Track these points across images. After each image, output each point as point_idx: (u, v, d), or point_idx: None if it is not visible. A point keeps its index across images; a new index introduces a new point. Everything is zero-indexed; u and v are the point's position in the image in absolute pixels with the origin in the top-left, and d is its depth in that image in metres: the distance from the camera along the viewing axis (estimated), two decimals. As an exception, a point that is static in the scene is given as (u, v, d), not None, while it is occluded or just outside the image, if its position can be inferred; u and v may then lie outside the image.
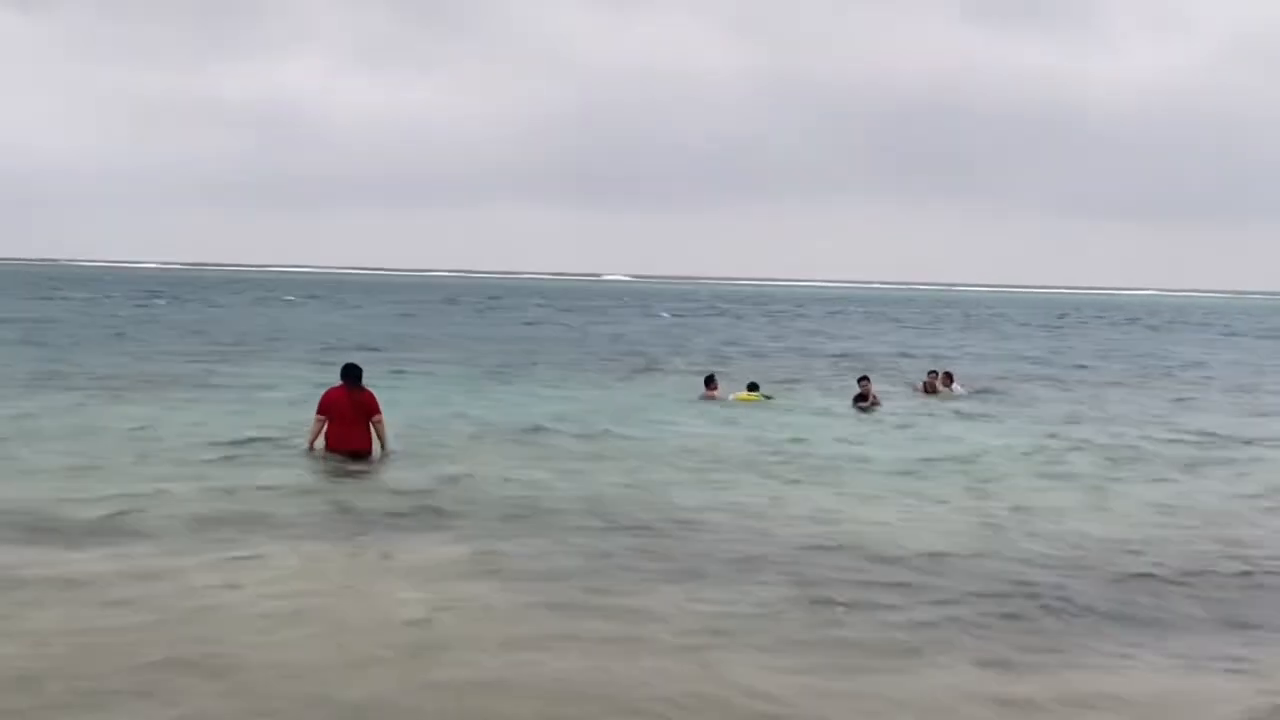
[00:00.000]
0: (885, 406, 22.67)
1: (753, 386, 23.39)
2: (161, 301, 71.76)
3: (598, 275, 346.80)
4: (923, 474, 15.02)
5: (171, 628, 7.82)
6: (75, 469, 13.51)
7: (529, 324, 56.63)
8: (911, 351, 42.56)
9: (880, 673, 7.43)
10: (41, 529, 10.51)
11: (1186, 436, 19.79)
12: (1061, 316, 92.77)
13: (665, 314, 73.24)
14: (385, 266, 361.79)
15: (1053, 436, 19.19)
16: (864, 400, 22.75)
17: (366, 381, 14.93)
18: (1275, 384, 31.90)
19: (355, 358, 18.02)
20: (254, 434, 16.27)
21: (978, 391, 26.71)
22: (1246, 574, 10.29)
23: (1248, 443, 19.10)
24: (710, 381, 23.62)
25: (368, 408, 14.55)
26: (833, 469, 15.35)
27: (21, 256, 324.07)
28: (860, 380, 23.72)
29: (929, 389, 25.57)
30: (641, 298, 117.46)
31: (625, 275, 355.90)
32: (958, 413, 22.44)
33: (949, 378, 26.31)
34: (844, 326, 65.42)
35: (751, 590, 9.16)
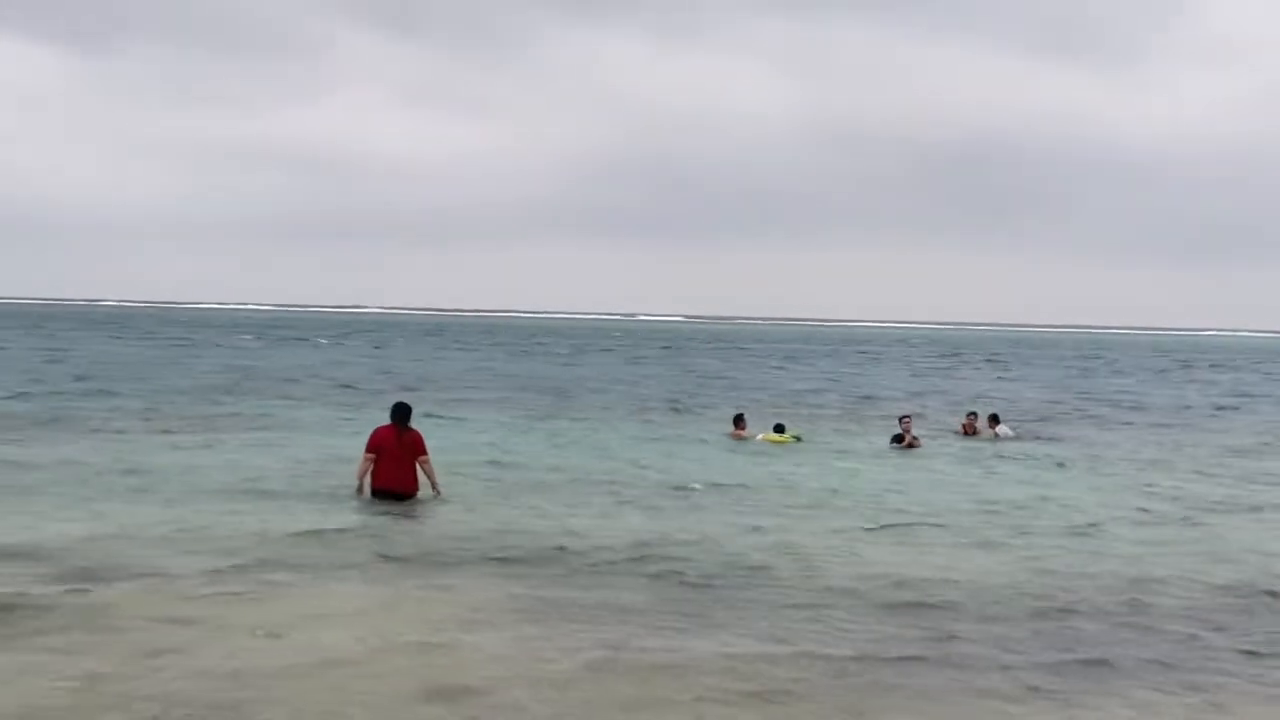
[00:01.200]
0: (925, 447, 22.55)
1: (779, 428, 23.40)
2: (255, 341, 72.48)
3: (635, 315, 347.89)
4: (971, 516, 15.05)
5: (201, 677, 7.80)
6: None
7: (566, 364, 56.78)
8: (952, 392, 42.31)
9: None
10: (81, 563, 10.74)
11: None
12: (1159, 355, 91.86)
13: (713, 359, 73.06)
14: (438, 306, 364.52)
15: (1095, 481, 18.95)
16: (901, 441, 22.63)
17: (414, 424, 15.11)
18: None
19: (400, 397, 18.12)
20: (298, 474, 16.69)
21: (1021, 435, 26.56)
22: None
23: None
24: (739, 420, 23.64)
25: (415, 448, 14.72)
26: (871, 510, 15.30)
27: (79, 297, 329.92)
28: (901, 420, 23.63)
29: (968, 430, 25.44)
30: (682, 338, 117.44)
31: (667, 315, 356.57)
32: (999, 455, 22.30)
33: (994, 420, 26.12)
34: (887, 366, 65.10)
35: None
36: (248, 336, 73.62)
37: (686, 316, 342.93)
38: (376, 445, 14.71)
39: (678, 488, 16.65)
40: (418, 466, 14.71)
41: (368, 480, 14.76)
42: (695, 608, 9.88)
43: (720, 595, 10.37)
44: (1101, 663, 8.69)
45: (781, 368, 59.95)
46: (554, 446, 21.32)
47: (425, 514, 14.02)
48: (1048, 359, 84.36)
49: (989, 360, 79.33)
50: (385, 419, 15.05)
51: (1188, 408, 37.38)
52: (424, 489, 14.75)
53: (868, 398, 37.25)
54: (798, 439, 22.91)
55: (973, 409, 28.12)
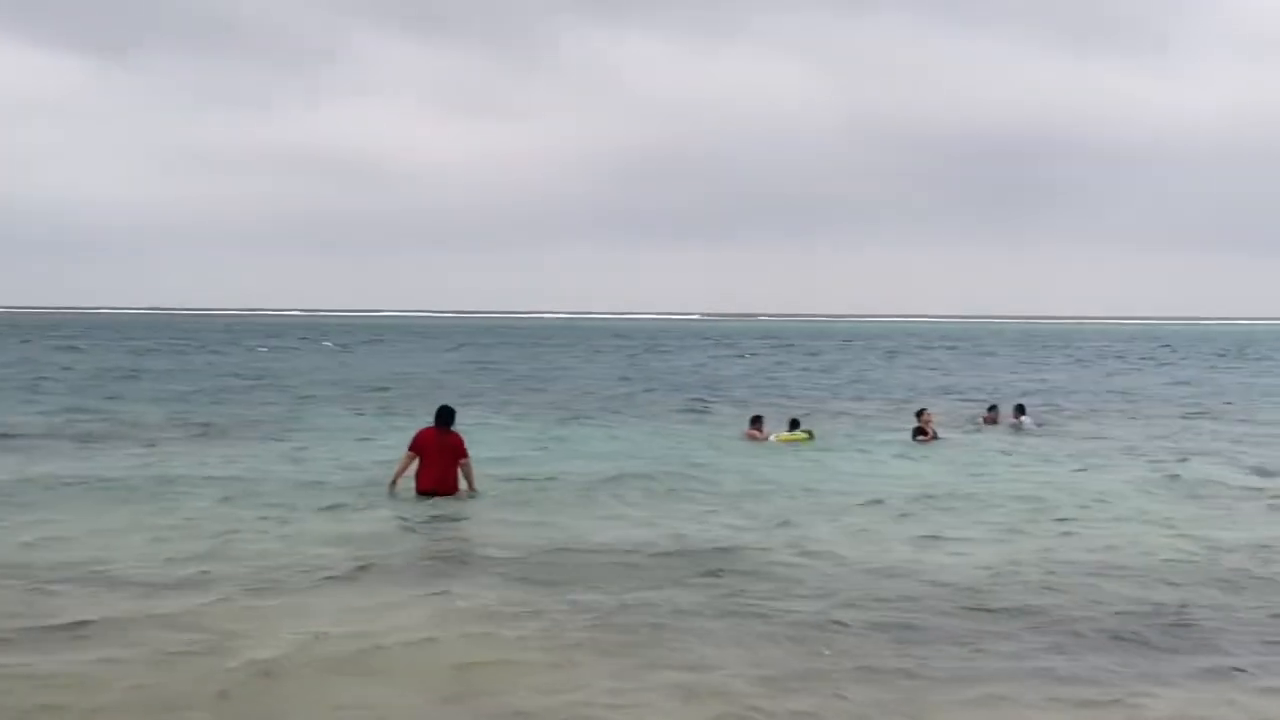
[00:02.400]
0: (945, 439, 22.77)
1: (794, 424, 23.59)
2: (264, 349, 73.26)
3: (670, 314, 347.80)
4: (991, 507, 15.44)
5: (223, 675, 8.07)
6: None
7: (589, 363, 57.09)
8: (980, 386, 42.41)
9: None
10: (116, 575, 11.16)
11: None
12: (1163, 347, 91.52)
13: (747, 355, 73.17)
14: (460, 309, 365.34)
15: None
16: (923, 434, 22.86)
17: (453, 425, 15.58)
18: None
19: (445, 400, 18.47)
20: (335, 478, 17.25)
21: (1044, 424, 26.76)
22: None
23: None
24: (756, 421, 23.87)
25: (456, 450, 15.33)
26: (883, 505, 15.61)
27: (85, 306, 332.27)
28: (919, 413, 23.85)
29: (989, 421, 25.64)
30: (717, 337, 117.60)
31: (702, 314, 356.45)
32: (1015, 446, 22.56)
33: (1020, 410, 26.36)
34: (921, 362, 65.11)
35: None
36: (262, 348, 74.03)
37: (723, 315, 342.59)
38: (419, 446, 15.35)
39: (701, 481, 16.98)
40: (458, 468, 15.30)
41: (405, 480, 15.38)
42: (699, 600, 10.14)
43: (727, 587, 10.66)
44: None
45: (798, 367, 59.96)
46: (575, 450, 21.48)
47: (462, 515, 14.40)
48: (1087, 352, 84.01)
49: (1022, 353, 79.15)
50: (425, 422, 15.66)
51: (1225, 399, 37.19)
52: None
53: (898, 398, 37.41)
54: (810, 435, 23.10)
55: (994, 402, 28.35)
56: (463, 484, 15.36)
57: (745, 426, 23.87)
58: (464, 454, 15.37)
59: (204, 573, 11.05)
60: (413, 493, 15.27)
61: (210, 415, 27.41)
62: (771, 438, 23.04)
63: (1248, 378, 49.71)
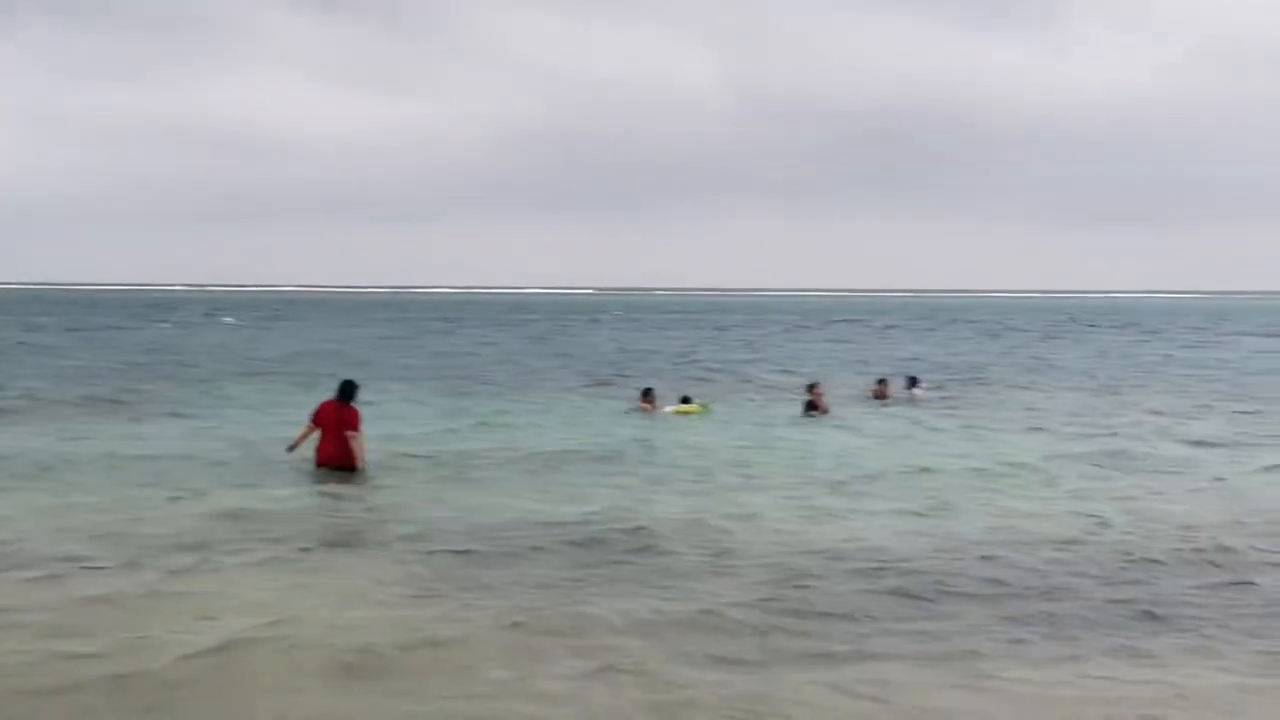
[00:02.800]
0: (835, 413, 23.44)
1: (685, 399, 24.11)
2: (166, 325, 71.70)
3: (565, 289, 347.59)
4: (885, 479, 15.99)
5: (115, 654, 8.18)
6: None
7: (486, 342, 57.12)
8: (870, 359, 43.37)
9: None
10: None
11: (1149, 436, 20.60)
12: (1067, 320, 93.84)
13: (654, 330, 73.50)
14: (353, 284, 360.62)
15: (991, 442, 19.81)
16: (815, 408, 23.44)
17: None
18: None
19: (345, 375, 18.66)
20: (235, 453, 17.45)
21: (942, 396, 27.64)
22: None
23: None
24: (647, 394, 24.29)
25: (348, 423, 15.67)
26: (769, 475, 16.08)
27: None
28: (810, 387, 24.43)
29: (880, 395, 26.34)
30: (617, 311, 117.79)
31: (595, 288, 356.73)
32: (906, 418, 23.33)
33: (913, 382, 27.17)
34: (814, 337, 66.15)
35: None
36: (166, 325, 72.70)
37: (604, 289, 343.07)
38: (319, 419, 15.85)
39: (600, 458, 17.31)
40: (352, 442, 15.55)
41: (307, 450, 15.73)
42: (600, 576, 10.43)
43: (628, 564, 10.96)
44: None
45: (682, 345, 60.56)
46: (472, 425, 21.63)
47: (351, 493, 14.51)
48: (972, 325, 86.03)
49: (916, 327, 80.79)
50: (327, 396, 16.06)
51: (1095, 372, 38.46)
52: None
53: (784, 370, 38.13)
54: (705, 408, 23.56)
55: (883, 374, 29.07)
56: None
57: (637, 400, 24.26)
58: (354, 427, 15.64)
59: (104, 553, 11.05)
60: (313, 466, 15.57)
61: (114, 392, 27.04)
62: (666, 410, 23.46)
63: (1134, 349, 51.59)
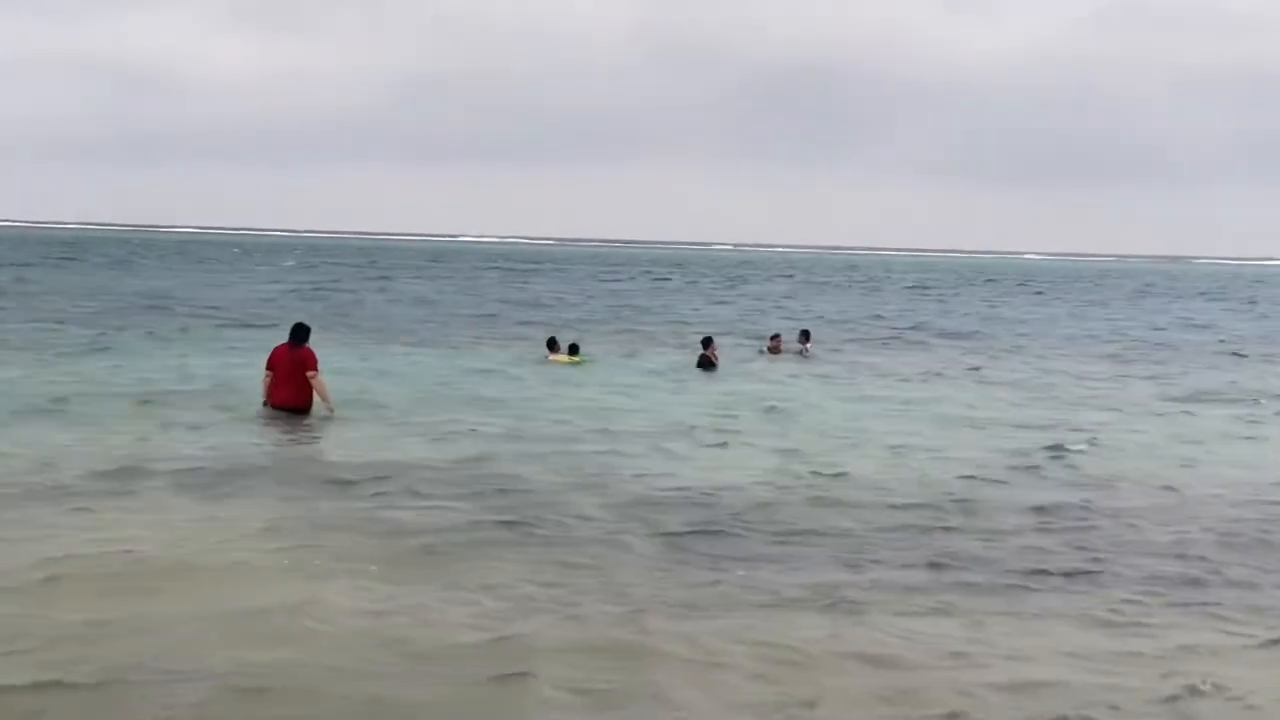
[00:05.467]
0: (731, 368, 23.87)
1: (573, 348, 24.44)
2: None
3: (457, 236, 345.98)
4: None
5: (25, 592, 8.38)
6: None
7: (382, 291, 56.63)
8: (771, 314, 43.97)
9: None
10: None
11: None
12: (986, 281, 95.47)
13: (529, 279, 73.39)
14: (250, 226, 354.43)
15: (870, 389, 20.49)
16: (709, 363, 23.95)
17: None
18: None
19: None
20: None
21: (831, 350, 28.24)
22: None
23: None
24: (552, 344, 24.67)
25: (304, 364, 16.17)
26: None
27: None
28: (705, 342, 24.86)
29: (774, 350, 26.95)
30: (499, 260, 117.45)
31: (495, 237, 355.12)
32: (798, 371, 23.89)
33: (805, 336, 27.84)
34: (708, 291, 66.66)
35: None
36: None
37: (506, 238, 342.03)
38: (272, 363, 16.42)
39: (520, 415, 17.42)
40: (311, 384, 16.11)
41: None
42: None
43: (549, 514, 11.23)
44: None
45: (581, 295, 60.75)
46: (378, 375, 21.50)
47: (300, 433, 15.13)
48: (870, 283, 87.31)
49: (817, 281, 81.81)
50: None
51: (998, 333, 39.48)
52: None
53: (680, 321, 38.51)
54: (581, 359, 23.95)
55: (777, 330, 29.72)
56: (318, 401, 16.16)
57: (545, 350, 24.59)
58: (312, 367, 16.15)
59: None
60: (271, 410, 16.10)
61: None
62: (548, 358, 23.90)
63: (1032, 310, 53.03)
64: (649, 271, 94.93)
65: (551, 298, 51.65)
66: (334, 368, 18.86)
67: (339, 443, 14.60)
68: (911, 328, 39.03)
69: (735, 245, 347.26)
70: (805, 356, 26.65)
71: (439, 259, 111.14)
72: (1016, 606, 8.83)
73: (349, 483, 12.14)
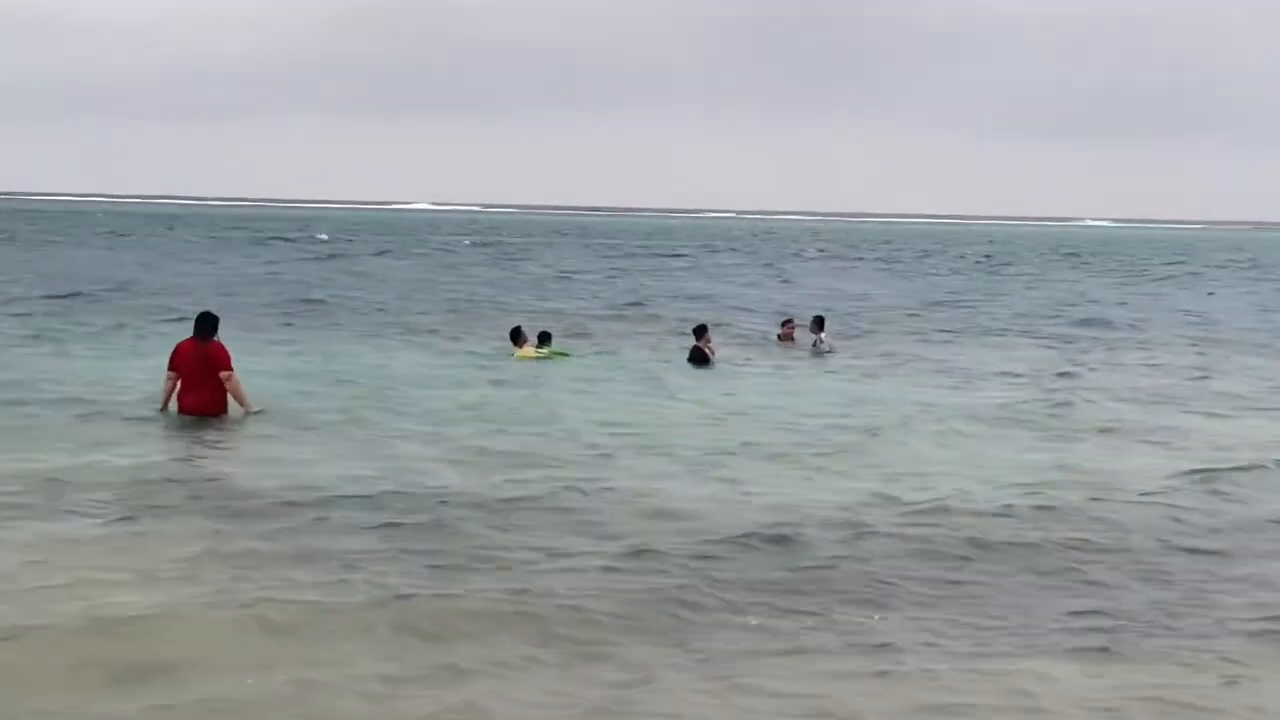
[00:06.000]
0: (742, 364, 23.54)
1: (543, 338, 23.96)
2: None
3: (409, 204, 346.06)
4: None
5: None
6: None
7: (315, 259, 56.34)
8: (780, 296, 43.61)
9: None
10: None
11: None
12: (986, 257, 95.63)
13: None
14: (150, 194, 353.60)
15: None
16: (702, 357, 23.31)
17: None
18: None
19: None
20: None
21: (850, 338, 28.16)
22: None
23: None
24: (517, 336, 24.13)
25: (216, 362, 15.98)
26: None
27: None
28: (697, 331, 24.14)
29: (786, 339, 26.34)
30: (466, 232, 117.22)
31: (456, 205, 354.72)
32: (818, 369, 23.57)
33: (819, 324, 26.69)
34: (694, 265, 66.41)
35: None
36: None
37: (499, 206, 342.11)
38: (177, 363, 16.12)
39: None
40: (225, 385, 15.95)
41: (175, 403, 16.11)
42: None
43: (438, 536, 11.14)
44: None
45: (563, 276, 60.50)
46: (302, 376, 21.24)
47: (220, 447, 14.85)
48: (897, 254, 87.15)
49: (854, 256, 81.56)
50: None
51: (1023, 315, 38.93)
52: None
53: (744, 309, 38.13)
54: (559, 353, 23.61)
55: (789, 316, 28.93)
56: (234, 404, 16.00)
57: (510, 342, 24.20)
58: (226, 366, 15.98)
59: None
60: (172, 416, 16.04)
61: None
62: (515, 354, 23.51)
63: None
64: (648, 245, 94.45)
65: (556, 281, 50.80)
66: (255, 367, 18.68)
67: (256, 460, 14.28)
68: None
69: (737, 213, 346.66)
70: (821, 351, 25.79)
71: (387, 232, 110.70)
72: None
73: (263, 512, 11.82)
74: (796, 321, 27.45)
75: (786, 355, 25.49)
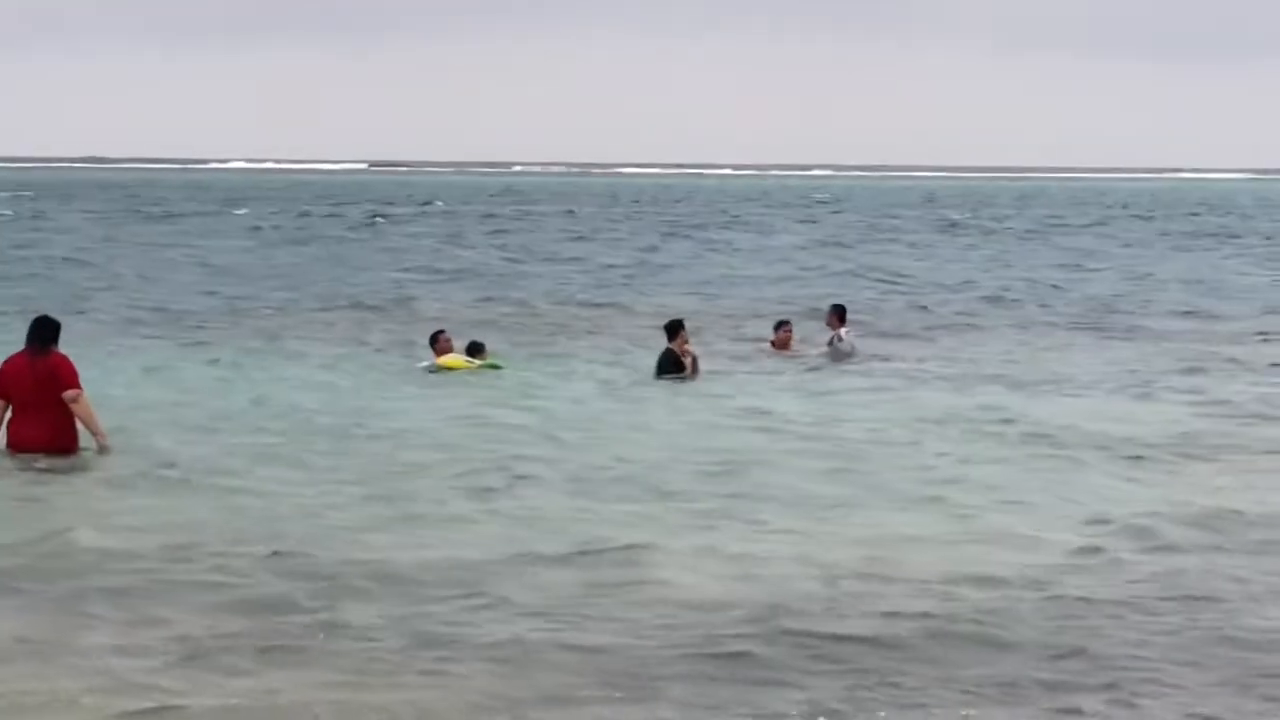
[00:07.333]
0: (725, 378, 23.79)
1: (475, 348, 24.25)
2: None
3: (284, 161, 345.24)
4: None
5: None
6: None
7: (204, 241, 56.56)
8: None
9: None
10: None
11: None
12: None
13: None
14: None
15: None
16: (678, 366, 23.18)
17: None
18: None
19: None
20: None
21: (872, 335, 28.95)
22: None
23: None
24: (435, 341, 24.30)
25: (57, 379, 15.73)
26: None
27: None
28: (669, 327, 23.83)
29: (780, 345, 26.87)
30: (373, 194, 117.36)
31: (349, 161, 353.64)
32: (817, 384, 23.78)
33: (839, 316, 26.87)
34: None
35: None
36: None
37: (384, 163, 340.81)
38: (5, 384, 15.84)
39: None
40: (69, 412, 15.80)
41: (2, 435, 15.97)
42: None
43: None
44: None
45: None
46: (221, 390, 22.25)
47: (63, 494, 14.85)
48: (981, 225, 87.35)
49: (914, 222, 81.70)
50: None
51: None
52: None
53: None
54: (495, 366, 23.96)
55: (784, 318, 28.78)
56: (84, 434, 15.96)
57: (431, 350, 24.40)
58: (72, 384, 15.78)
59: None
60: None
61: None
62: (434, 362, 23.88)
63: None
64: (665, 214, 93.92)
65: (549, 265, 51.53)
66: (104, 390, 18.75)
67: (113, 509, 14.44)
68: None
69: (734, 167, 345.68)
70: (841, 351, 25.99)
71: (256, 195, 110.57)
72: None
73: (118, 588, 11.96)
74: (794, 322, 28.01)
75: (783, 363, 25.86)
